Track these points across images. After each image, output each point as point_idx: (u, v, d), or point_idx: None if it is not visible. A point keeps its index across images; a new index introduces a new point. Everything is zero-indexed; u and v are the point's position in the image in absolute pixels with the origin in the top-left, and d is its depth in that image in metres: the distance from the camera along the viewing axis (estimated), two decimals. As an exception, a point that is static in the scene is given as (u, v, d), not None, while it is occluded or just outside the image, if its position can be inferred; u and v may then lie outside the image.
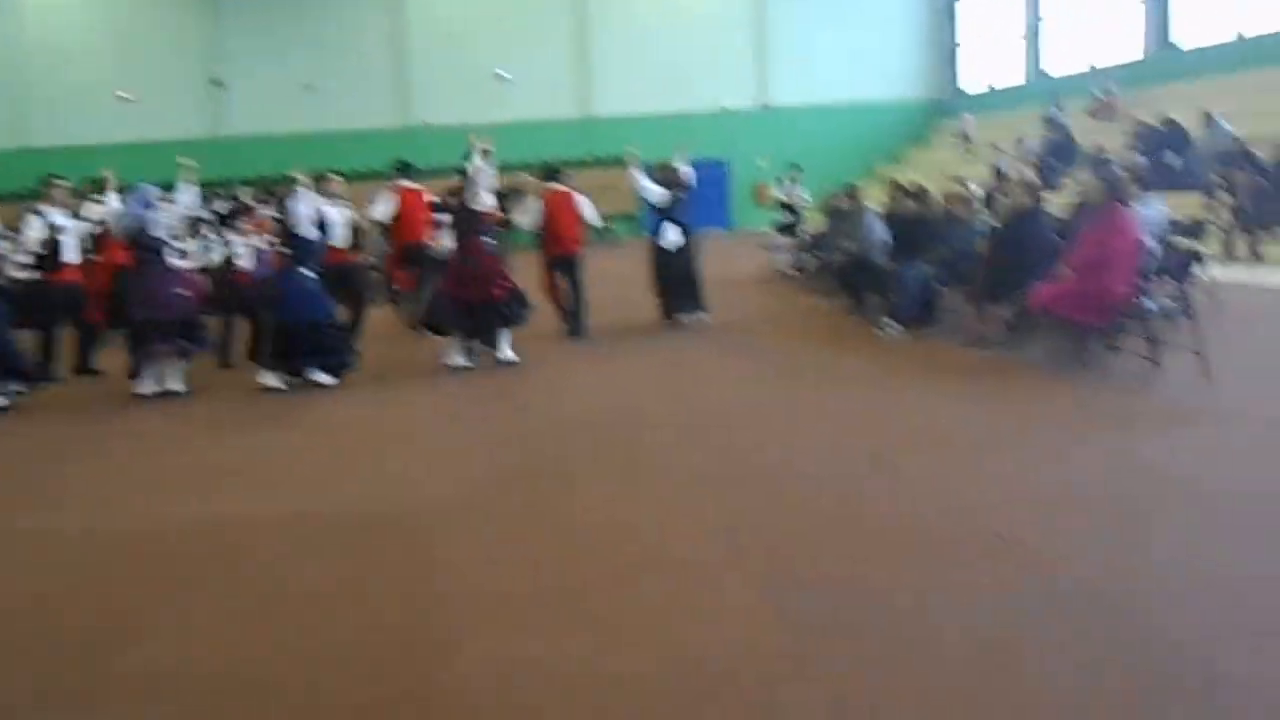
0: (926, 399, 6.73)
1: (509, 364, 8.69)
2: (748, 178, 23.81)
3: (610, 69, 25.38)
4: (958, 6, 26.42)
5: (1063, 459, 5.19)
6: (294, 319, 8.03)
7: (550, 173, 10.48)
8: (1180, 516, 4.27)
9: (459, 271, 8.69)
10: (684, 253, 10.52)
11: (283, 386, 8.13)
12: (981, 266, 8.31)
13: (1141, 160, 15.92)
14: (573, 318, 10.23)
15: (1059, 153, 18.08)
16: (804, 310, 11.31)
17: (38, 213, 9.10)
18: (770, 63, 26.10)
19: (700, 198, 16.86)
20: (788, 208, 15.10)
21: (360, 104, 24.77)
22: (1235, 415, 5.82)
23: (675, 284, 10.53)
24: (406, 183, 10.85)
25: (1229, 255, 12.79)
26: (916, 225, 9.74)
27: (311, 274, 8.22)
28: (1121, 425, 5.78)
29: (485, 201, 8.81)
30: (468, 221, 8.74)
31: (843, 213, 11.67)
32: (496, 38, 24.96)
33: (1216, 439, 5.45)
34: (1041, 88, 22.45)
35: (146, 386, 8.18)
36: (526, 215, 10.30)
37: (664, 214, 10.47)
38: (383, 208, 10.57)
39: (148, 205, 8.19)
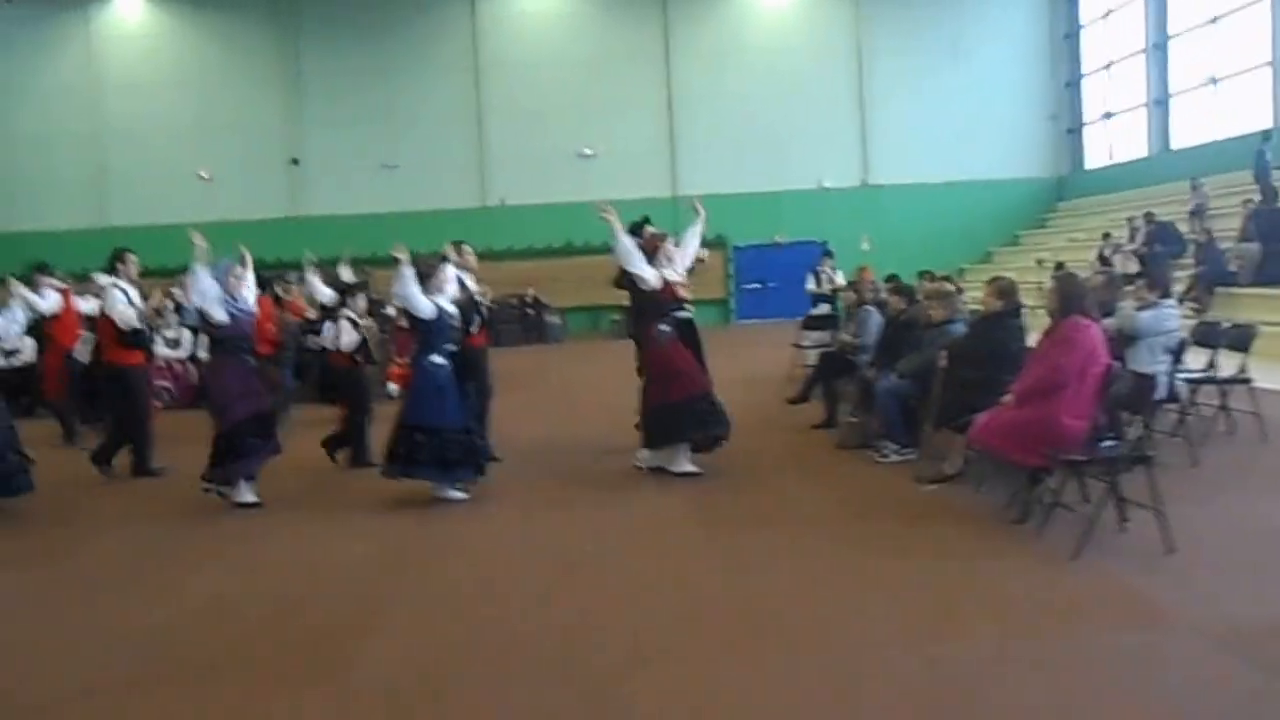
0: (815, 552, 5.71)
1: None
2: (848, 260, 22.95)
3: (699, 145, 24.91)
4: (1083, 82, 25.42)
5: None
6: (418, 420, 7.17)
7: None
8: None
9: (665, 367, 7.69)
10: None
11: (460, 495, 7.31)
12: (936, 382, 7.20)
13: (1254, 247, 14.82)
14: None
15: (1166, 239, 16.86)
16: (799, 420, 9.98)
17: (119, 288, 8.62)
18: (873, 138, 25.35)
19: (796, 280, 16.18)
20: (822, 298, 13.80)
21: (438, 183, 24.75)
22: (1203, 622, 4.32)
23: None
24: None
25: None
26: (901, 328, 8.58)
27: (442, 361, 7.37)
28: (1045, 613, 4.55)
29: (655, 276, 7.74)
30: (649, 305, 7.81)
31: (849, 306, 10.88)
32: (579, 115, 24.77)
33: (1167, 656, 4.02)
34: (1166, 163, 21.24)
35: (249, 494, 7.42)
36: None
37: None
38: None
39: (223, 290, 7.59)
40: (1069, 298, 6.00)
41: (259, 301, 8.25)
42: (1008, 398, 5.99)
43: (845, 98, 25.20)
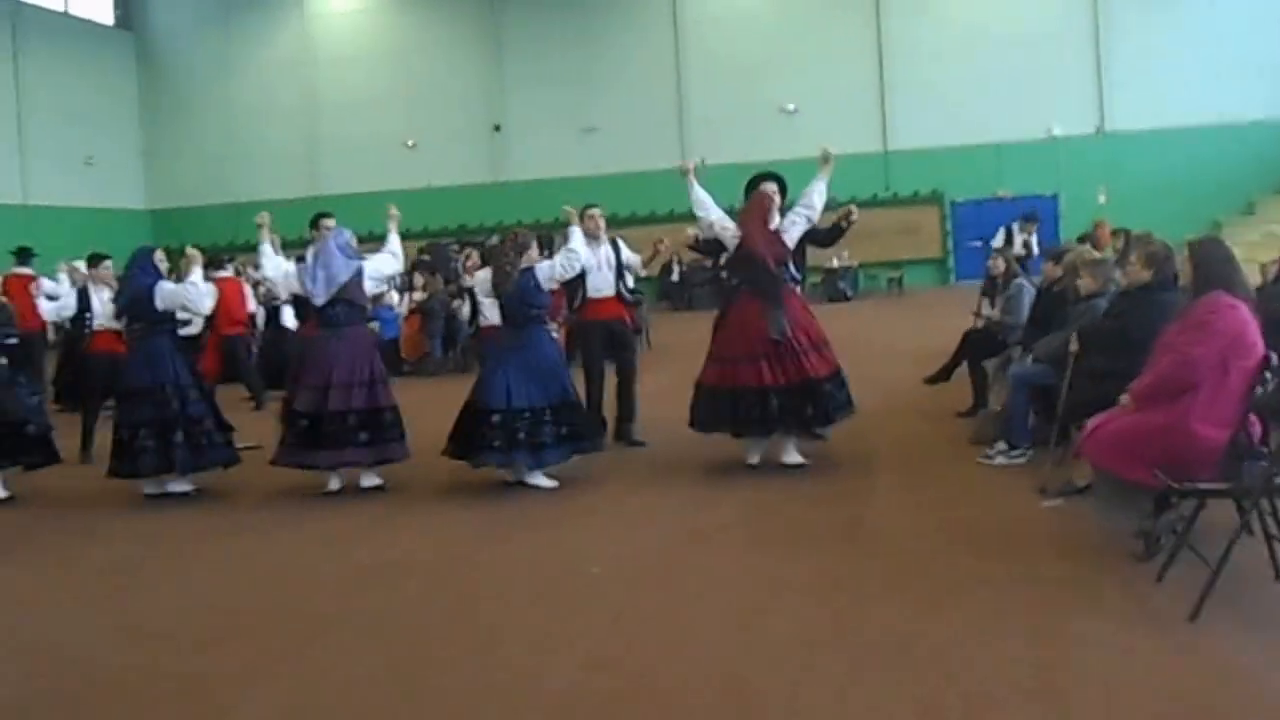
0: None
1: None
2: (1081, 216, 21.09)
3: (912, 96, 23.47)
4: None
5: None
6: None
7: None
8: None
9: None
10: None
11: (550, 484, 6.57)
12: (1068, 372, 5.89)
13: None
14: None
15: None
16: (947, 403, 8.54)
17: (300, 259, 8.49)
18: (1109, 80, 23.20)
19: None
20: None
21: (637, 145, 24.43)
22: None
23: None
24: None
25: None
26: (1051, 302, 7.12)
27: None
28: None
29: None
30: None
31: (994, 278, 9.38)
32: (782, 69, 23.83)
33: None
34: None
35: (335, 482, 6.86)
36: None
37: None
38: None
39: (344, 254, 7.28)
40: (1209, 268, 4.61)
41: (224, 283, 7.96)
42: (1124, 398, 4.68)
43: (1077, 35, 23.10)
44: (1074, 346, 5.84)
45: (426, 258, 16.91)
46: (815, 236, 7.14)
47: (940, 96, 23.07)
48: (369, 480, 6.75)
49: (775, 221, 6.73)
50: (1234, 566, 3.87)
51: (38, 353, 10.47)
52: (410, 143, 25.13)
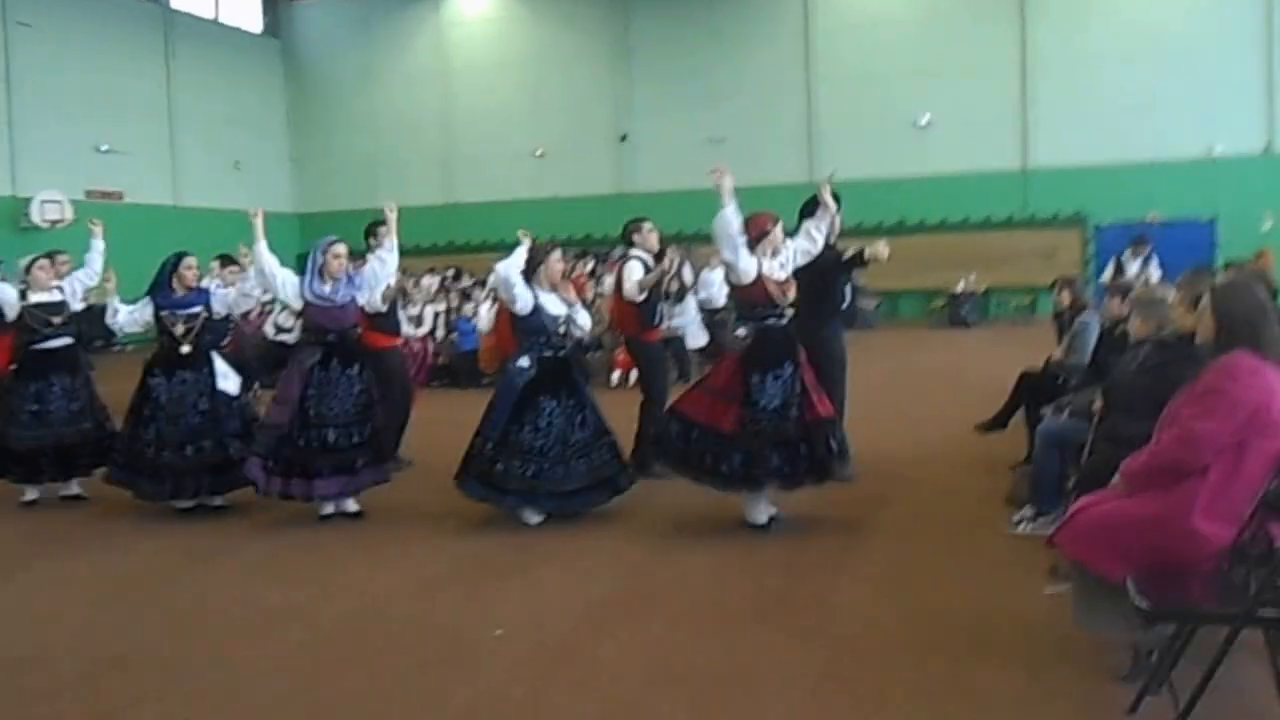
0: None
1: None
2: (1241, 244, 19.63)
3: (1057, 111, 22.27)
4: None
5: None
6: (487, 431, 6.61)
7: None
8: None
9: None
10: None
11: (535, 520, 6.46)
12: (1091, 432, 5.13)
13: None
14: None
15: None
16: (1001, 453, 7.80)
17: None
18: (1280, 97, 21.57)
19: (1174, 266, 13.67)
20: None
21: (765, 157, 24.04)
22: None
23: None
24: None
25: None
26: (1113, 344, 6.32)
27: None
28: None
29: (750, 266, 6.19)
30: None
31: (1059, 314, 8.48)
32: (917, 81, 23.00)
33: None
34: None
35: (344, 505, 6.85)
36: None
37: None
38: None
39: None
40: (1232, 320, 3.68)
41: None
42: (1116, 478, 3.90)
43: (1245, 45, 21.49)
44: (1098, 403, 5.34)
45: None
46: (823, 264, 6.77)
47: (1087, 110, 21.85)
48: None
49: (774, 253, 6.24)
50: (1230, 696, 3.36)
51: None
52: (538, 152, 25.45)
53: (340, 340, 6.73)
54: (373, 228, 7.80)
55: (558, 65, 25.75)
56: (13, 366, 7.55)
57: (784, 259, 6.27)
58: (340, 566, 5.75)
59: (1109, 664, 3.98)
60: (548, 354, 6.47)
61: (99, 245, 7.75)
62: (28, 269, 7.60)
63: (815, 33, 24.02)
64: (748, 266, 6.10)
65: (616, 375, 12.33)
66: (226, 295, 7.26)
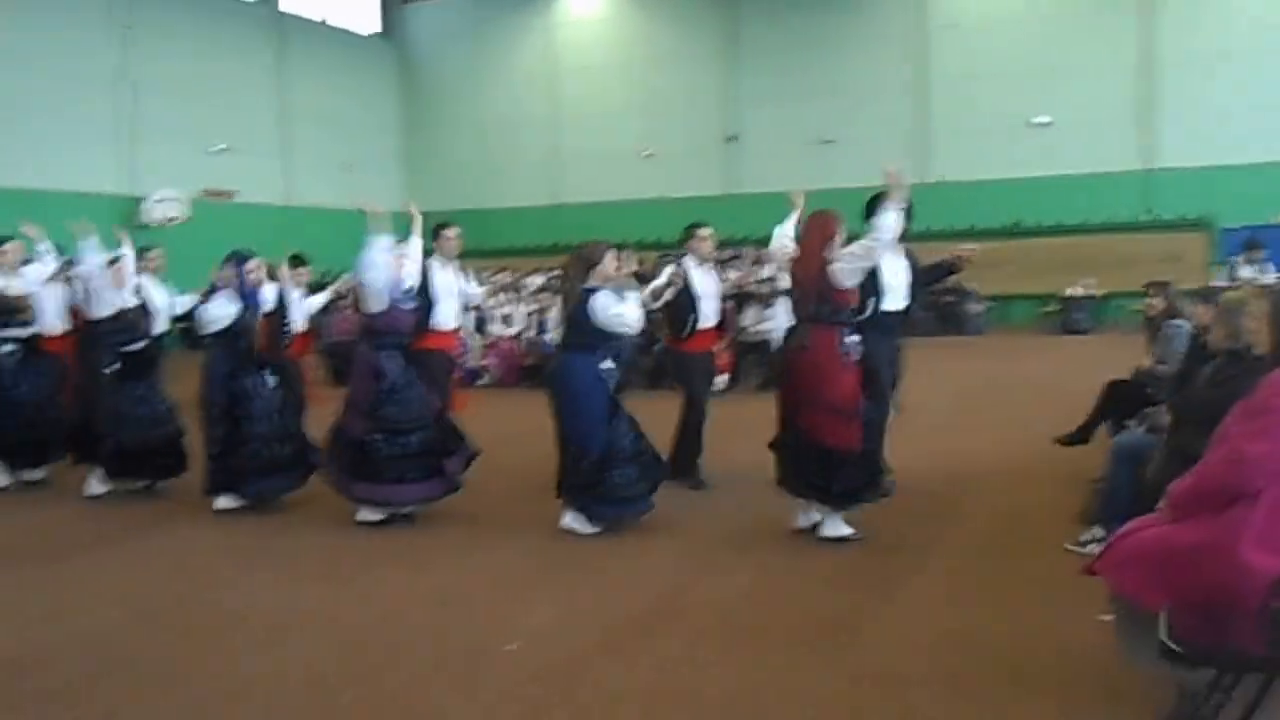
0: None
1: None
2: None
3: (1183, 109, 21.17)
4: None
5: None
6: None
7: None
8: None
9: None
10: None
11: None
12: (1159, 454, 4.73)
13: None
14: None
15: None
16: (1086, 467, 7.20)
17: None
18: None
19: None
20: None
21: (875, 158, 23.35)
22: None
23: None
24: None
25: None
26: (1200, 353, 5.56)
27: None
28: None
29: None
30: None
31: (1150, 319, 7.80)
32: (1033, 79, 22.17)
33: None
34: None
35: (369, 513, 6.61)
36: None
37: None
38: None
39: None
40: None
41: None
42: (1163, 505, 3.50)
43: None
44: (1168, 417, 4.97)
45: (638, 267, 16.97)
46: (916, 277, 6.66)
47: (1216, 109, 20.74)
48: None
49: (833, 251, 5.91)
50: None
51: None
52: (646, 153, 25.41)
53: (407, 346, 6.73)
54: (437, 230, 7.79)
55: (666, 65, 25.67)
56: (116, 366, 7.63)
57: (840, 266, 5.95)
58: (368, 572, 5.68)
59: (1156, 700, 3.65)
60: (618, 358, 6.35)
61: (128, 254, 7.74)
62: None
63: (929, 30, 23.41)
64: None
65: (723, 379, 11.81)
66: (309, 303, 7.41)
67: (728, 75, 25.29)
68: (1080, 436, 7.41)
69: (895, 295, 6.64)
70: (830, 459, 5.78)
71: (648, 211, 23.79)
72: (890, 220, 5.80)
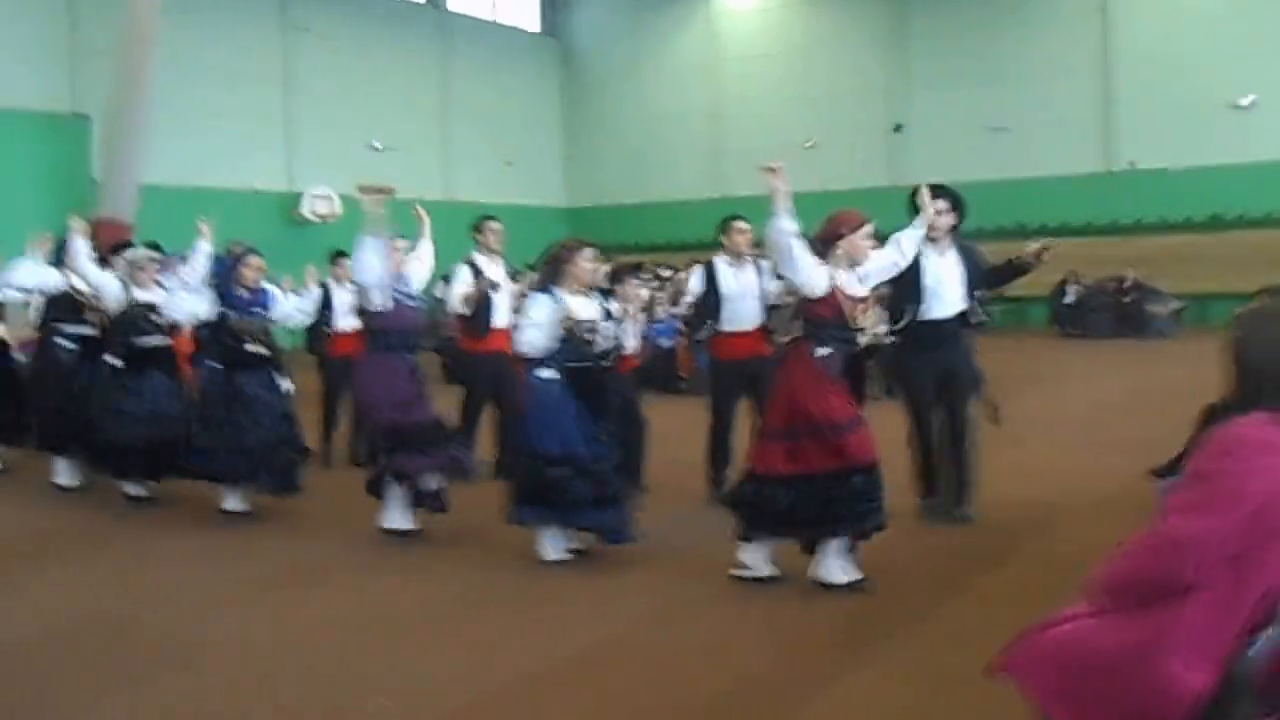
0: None
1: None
2: None
3: None
4: None
5: None
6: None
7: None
8: None
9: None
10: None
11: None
12: None
13: None
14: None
15: None
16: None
17: (470, 263, 7.60)
18: None
19: None
20: None
21: (1053, 146, 22.14)
22: None
23: None
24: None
25: None
26: None
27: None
28: None
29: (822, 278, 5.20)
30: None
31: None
32: (1234, 57, 20.37)
33: None
34: None
35: (399, 520, 6.30)
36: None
37: None
38: None
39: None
40: (1258, 365, 2.52)
41: None
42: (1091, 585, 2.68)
43: None
44: None
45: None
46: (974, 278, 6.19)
47: None
48: None
49: (853, 264, 5.26)
50: None
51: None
52: (809, 143, 24.63)
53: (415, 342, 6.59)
54: (480, 223, 7.78)
55: (830, 53, 24.88)
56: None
57: (865, 272, 5.29)
58: (310, 589, 5.44)
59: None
60: (572, 364, 5.66)
61: (205, 248, 7.22)
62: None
63: (1114, 8, 21.87)
64: (812, 278, 5.09)
65: None
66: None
67: (894, 61, 24.30)
68: (1172, 469, 6.35)
69: (943, 302, 6.09)
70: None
71: (812, 202, 22.83)
72: (780, 226, 5.07)
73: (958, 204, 6.21)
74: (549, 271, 5.76)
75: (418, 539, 6.17)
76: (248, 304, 6.91)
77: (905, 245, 5.45)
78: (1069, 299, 20.49)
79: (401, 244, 6.49)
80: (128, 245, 8.30)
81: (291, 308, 7.28)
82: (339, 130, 22.26)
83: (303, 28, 21.71)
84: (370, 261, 6.15)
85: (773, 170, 5.09)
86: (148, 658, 4.47)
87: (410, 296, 6.46)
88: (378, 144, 23.01)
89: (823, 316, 5.12)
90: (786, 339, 5.53)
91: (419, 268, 6.62)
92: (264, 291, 7.03)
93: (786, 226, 5.04)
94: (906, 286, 6.00)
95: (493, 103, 26.10)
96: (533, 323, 5.61)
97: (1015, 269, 6.34)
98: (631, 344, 6.39)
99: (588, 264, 5.72)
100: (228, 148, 20.04)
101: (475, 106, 25.62)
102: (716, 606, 4.96)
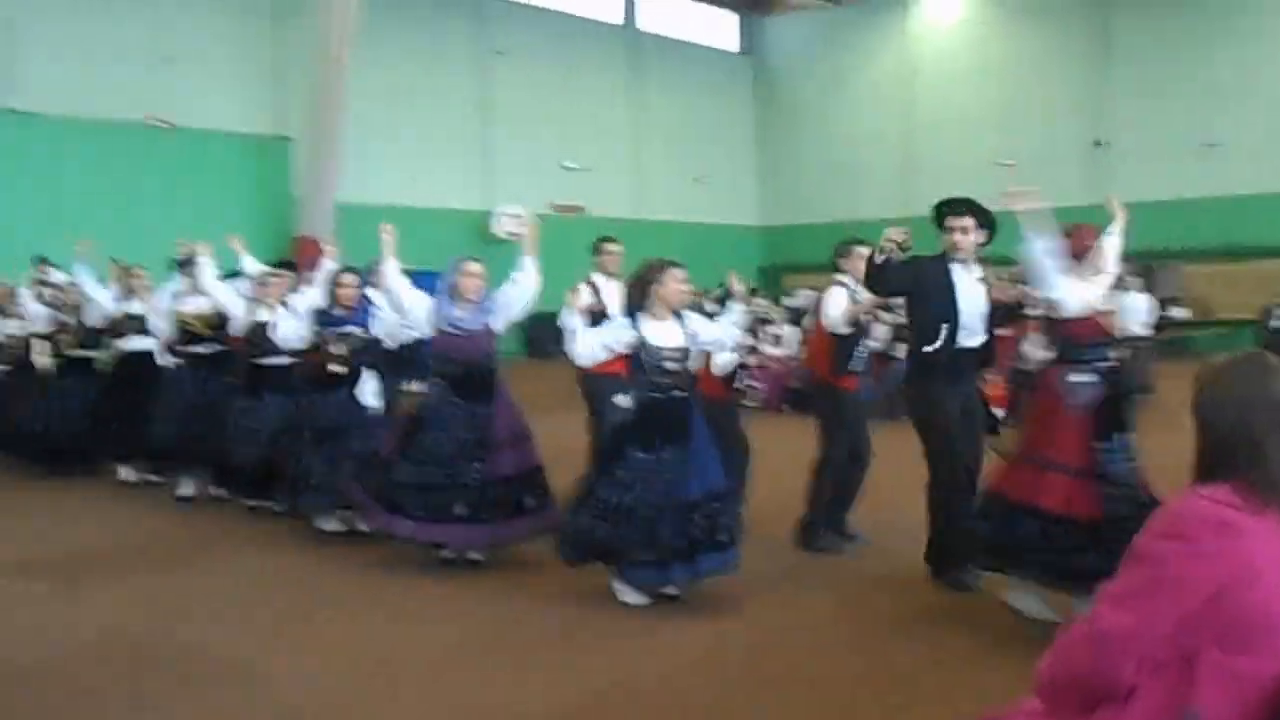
0: None
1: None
2: None
3: None
4: None
5: None
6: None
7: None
8: None
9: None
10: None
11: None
12: None
13: None
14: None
15: None
16: None
17: (589, 283, 6.97)
18: None
19: None
20: None
21: (1272, 162, 20.99)
22: None
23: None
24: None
25: None
26: None
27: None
28: None
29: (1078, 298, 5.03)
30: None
31: None
32: None
33: None
34: None
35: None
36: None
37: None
38: None
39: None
40: (1220, 431, 1.99)
41: None
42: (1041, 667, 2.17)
43: None
44: None
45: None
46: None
47: None
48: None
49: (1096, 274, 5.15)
50: None
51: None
52: (1007, 161, 24.09)
53: (466, 374, 5.87)
54: (599, 245, 7.15)
55: (1028, 68, 24.41)
56: None
57: (1105, 282, 5.16)
58: (335, 622, 5.20)
59: None
60: (652, 395, 5.22)
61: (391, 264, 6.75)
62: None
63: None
64: (1069, 296, 4.94)
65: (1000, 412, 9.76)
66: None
67: (1095, 76, 23.57)
68: None
69: (971, 330, 5.49)
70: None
71: (1008, 221, 22.54)
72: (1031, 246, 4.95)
73: (986, 222, 5.59)
74: (635, 292, 5.35)
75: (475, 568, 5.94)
76: (340, 321, 6.66)
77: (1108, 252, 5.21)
78: (1274, 323, 19.37)
79: (476, 268, 5.99)
80: (290, 265, 8.48)
81: (394, 322, 6.71)
82: (533, 150, 23.18)
83: (497, 50, 22.73)
84: (402, 286, 6.13)
85: (1010, 196, 5.03)
86: (198, 672, 4.47)
87: (463, 322, 5.91)
88: (570, 163, 23.79)
89: (1077, 337, 5.00)
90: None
91: (514, 291, 6.04)
92: (362, 309, 6.76)
93: (1040, 250, 4.95)
94: (940, 304, 5.45)
95: (685, 121, 26.64)
96: (600, 341, 5.34)
97: (1007, 311, 5.83)
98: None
99: (677, 285, 5.27)
100: (423, 167, 21.15)
101: (667, 125, 26.22)
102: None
